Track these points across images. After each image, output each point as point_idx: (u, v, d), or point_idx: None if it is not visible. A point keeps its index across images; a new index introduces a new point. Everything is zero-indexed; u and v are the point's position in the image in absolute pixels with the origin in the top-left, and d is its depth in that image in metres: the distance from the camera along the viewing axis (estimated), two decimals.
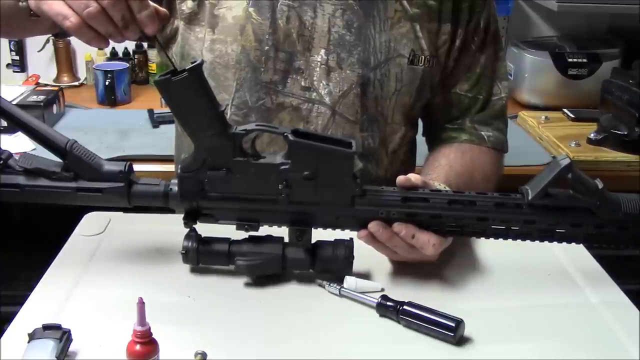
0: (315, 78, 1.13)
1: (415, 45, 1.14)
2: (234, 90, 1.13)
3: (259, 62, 1.11)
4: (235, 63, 1.12)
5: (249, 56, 1.11)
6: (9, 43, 2.22)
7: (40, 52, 2.18)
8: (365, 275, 0.95)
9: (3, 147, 0.91)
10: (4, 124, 1.63)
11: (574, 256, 1.02)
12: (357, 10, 1.12)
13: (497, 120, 1.24)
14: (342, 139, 0.90)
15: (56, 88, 2.03)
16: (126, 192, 0.89)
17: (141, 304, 0.72)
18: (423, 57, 1.15)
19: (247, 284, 0.93)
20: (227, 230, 0.93)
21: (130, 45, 2.29)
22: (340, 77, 1.13)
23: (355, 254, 0.93)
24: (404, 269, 0.96)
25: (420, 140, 1.31)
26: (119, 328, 0.77)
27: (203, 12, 1.12)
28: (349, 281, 0.92)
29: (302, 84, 1.13)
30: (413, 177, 0.92)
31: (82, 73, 2.31)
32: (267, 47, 1.11)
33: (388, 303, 0.87)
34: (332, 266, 0.93)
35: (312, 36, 1.12)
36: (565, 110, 2.03)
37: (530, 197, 0.89)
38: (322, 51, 1.12)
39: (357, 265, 0.93)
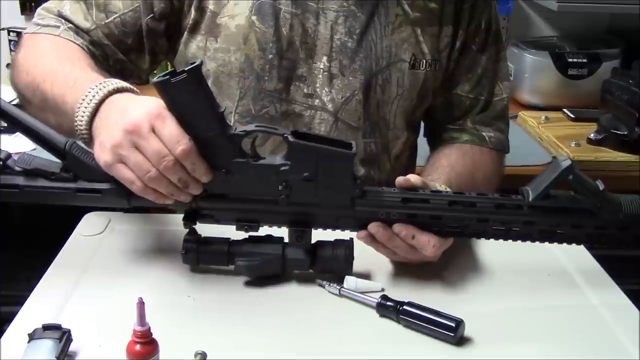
0: (317, 85, 1.13)
1: (416, 50, 1.14)
2: (237, 99, 1.13)
3: (263, 71, 1.11)
4: (239, 72, 1.11)
5: (253, 65, 1.11)
6: (9, 43, 2.21)
7: None
8: (365, 275, 0.95)
9: (2, 147, 0.91)
10: (4, 124, 1.63)
11: (575, 257, 1.02)
12: (359, 16, 1.12)
13: (498, 120, 1.24)
14: (342, 140, 0.90)
15: None
16: (125, 192, 0.89)
17: (141, 304, 0.72)
18: (424, 61, 1.15)
19: (247, 284, 0.93)
20: (227, 231, 0.93)
21: None
22: (343, 84, 1.13)
23: (355, 254, 0.93)
24: (404, 269, 0.96)
25: (421, 142, 1.31)
26: (119, 328, 0.77)
27: (204, 21, 1.11)
28: (349, 281, 0.92)
29: (305, 91, 1.13)
30: (412, 177, 0.92)
31: None
32: (271, 56, 1.10)
33: (388, 303, 0.87)
34: (332, 266, 0.93)
35: (314, 43, 1.11)
36: (565, 110, 2.03)
37: (530, 199, 0.89)
38: (325, 58, 1.12)
39: (357, 265, 0.93)
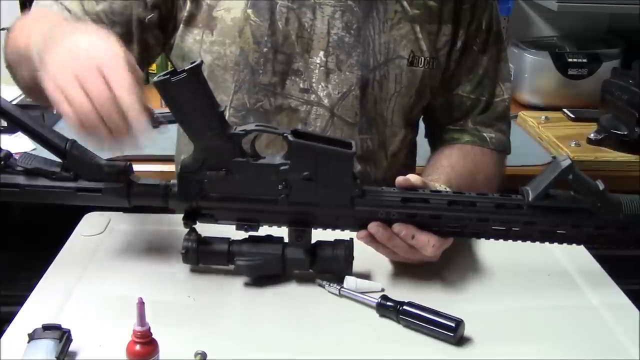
0: (314, 80, 1.13)
1: (415, 47, 1.14)
2: (232, 92, 1.13)
3: (258, 64, 1.11)
4: (234, 65, 1.11)
5: (248, 58, 1.11)
6: None
7: None
8: (365, 275, 0.95)
9: (3, 147, 0.91)
10: (4, 123, 1.63)
11: (575, 257, 1.02)
12: (357, 11, 1.12)
13: (499, 121, 1.24)
14: (342, 140, 0.90)
15: None
16: (126, 192, 0.89)
17: (141, 304, 0.72)
18: (423, 58, 1.15)
19: (247, 284, 0.93)
20: (227, 231, 0.93)
21: None
22: (340, 79, 1.13)
23: (355, 254, 0.93)
24: (404, 269, 0.96)
25: (421, 142, 1.31)
26: (119, 328, 0.77)
27: (200, 13, 1.11)
28: (349, 281, 0.92)
29: (301, 85, 1.13)
30: (412, 177, 0.92)
31: None
32: (265, 49, 1.11)
33: (388, 303, 0.87)
34: (332, 266, 0.93)
35: (311, 38, 1.12)
36: (565, 110, 2.02)
37: (530, 198, 0.89)
38: (321, 53, 1.12)
39: (357, 265, 0.93)
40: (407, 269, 0.96)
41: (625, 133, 1.77)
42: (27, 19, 1.07)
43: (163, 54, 1.22)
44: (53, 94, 0.82)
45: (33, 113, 1.63)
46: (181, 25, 1.13)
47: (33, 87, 0.95)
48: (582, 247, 1.02)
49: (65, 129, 0.86)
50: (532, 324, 0.88)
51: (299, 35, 1.11)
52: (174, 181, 0.91)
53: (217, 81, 1.13)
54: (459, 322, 0.83)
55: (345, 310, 0.89)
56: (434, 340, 0.83)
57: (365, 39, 1.12)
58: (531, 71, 2.10)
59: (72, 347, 0.77)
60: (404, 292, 0.91)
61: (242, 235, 0.93)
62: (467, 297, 0.93)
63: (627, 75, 1.85)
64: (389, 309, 0.87)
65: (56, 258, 0.98)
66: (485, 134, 1.22)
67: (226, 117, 1.10)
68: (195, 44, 1.12)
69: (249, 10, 1.10)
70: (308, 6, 1.11)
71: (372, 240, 0.91)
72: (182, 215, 0.92)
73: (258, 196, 0.90)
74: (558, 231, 0.92)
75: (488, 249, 1.03)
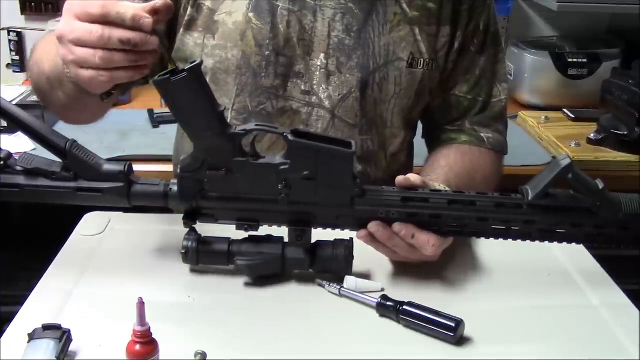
0: (315, 82, 1.13)
1: (414, 49, 1.14)
2: (234, 95, 1.13)
3: (260, 67, 1.11)
4: (236, 68, 1.12)
5: (250, 61, 1.11)
6: (9, 43, 2.22)
7: None
8: (365, 275, 0.95)
9: (3, 147, 0.91)
10: (4, 123, 1.63)
11: (575, 257, 1.02)
12: (357, 13, 1.12)
13: (496, 122, 1.24)
14: (341, 139, 0.90)
15: None
16: (126, 192, 0.89)
17: (141, 304, 0.72)
18: (422, 60, 1.15)
19: (247, 284, 0.93)
20: (227, 230, 0.93)
21: None
22: (340, 81, 1.13)
23: (355, 254, 0.93)
24: (404, 269, 0.96)
25: (419, 142, 1.31)
26: (119, 328, 0.77)
27: (201, 17, 1.12)
28: (349, 281, 0.92)
29: (302, 88, 1.13)
30: (412, 177, 0.92)
31: None
32: (267, 52, 1.11)
33: (388, 303, 0.87)
34: (332, 266, 0.93)
35: (312, 40, 1.12)
36: (565, 110, 2.03)
37: (530, 197, 0.89)
38: (322, 55, 1.12)
39: (357, 265, 0.93)
40: (407, 268, 0.96)
41: (625, 133, 1.77)
42: (42, 44, 1.07)
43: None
44: (74, 73, 0.86)
45: (33, 113, 1.64)
46: (181, 29, 1.13)
47: (72, 103, 0.98)
48: (582, 246, 1.02)
49: (65, 129, 0.86)
50: (532, 324, 0.88)
51: (300, 38, 1.11)
52: (174, 181, 0.91)
53: (219, 84, 1.13)
54: (459, 322, 0.83)
55: (345, 310, 0.89)
56: (434, 340, 0.83)
57: (365, 42, 1.12)
58: (531, 71, 2.11)
59: (72, 347, 0.77)
60: (404, 292, 0.91)
61: (242, 235, 0.93)
62: (467, 296, 0.94)
63: (627, 75, 1.85)
64: (389, 308, 0.87)
65: (56, 258, 0.98)
66: (482, 134, 1.22)
67: (228, 120, 1.11)
68: (196, 48, 1.12)
69: (251, 14, 1.10)
70: (309, 9, 1.11)
71: (372, 239, 0.91)
72: (182, 215, 0.92)
73: (258, 196, 0.90)
74: (558, 230, 0.92)
75: (488, 249, 1.03)
